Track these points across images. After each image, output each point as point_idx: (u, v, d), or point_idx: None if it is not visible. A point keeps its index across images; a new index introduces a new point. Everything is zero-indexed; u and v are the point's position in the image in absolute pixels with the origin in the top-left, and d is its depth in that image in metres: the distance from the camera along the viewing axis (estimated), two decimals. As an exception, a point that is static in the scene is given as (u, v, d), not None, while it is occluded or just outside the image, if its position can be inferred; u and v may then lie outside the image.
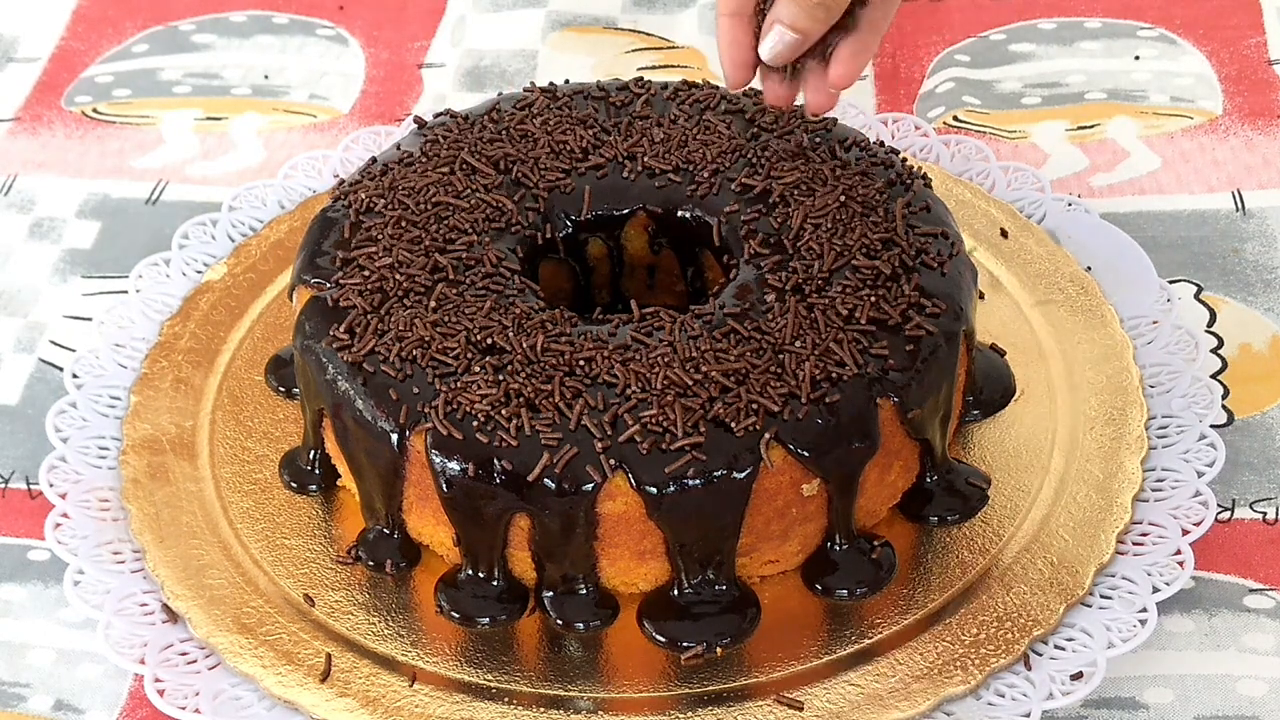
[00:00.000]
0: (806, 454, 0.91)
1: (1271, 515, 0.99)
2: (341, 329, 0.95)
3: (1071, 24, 1.33)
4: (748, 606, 0.94)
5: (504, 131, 1.05)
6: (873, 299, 0.95)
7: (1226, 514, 0.99)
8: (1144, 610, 0.92)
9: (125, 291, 1.12)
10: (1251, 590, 0.96)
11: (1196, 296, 1.11)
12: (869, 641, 0.92)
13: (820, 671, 0.91)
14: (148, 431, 1.03)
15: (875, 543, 0.96)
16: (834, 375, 0.92)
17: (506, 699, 0.91)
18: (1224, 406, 1.04)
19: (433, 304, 0.95)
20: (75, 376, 1.06)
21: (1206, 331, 1.09)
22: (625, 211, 1.04)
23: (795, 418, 0.90)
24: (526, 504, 0.91)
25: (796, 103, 0.98)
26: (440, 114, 1.09)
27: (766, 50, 0.89)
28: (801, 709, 0.89)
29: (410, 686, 0.91)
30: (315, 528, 0.99)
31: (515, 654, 0.93)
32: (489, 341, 0.93)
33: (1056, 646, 0.91)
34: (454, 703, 0.90)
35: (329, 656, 0.92)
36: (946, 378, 0.96)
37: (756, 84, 0.98)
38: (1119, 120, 1.24)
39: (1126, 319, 1.07)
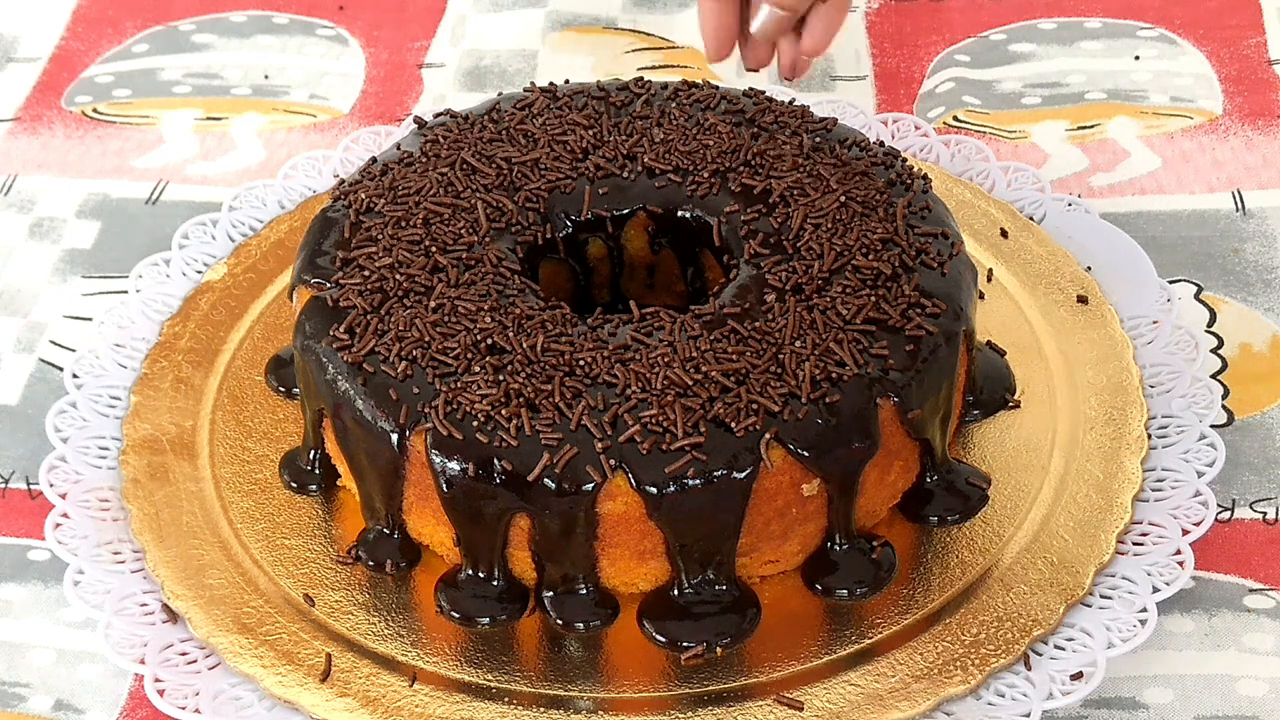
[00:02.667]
0: (806, 454, 0.91)
1: (1271, 515, 0.99)
2: (341, 329, 0.95)
3: (1071, 24, 1.33)
4: (748, 606, 0.93)
5: (504, 131, 1.05)
6: (873, 299, 0.95)
7: (1226, 514, 0.99)
8: (1144, 610, 0.92)
9: (125, 291, 1.12)
10: (1251, 590, 0.96)
11: (1196, 296, 1.11)
12: (869, 641, 0.92)
13: (820, 671, 0.91)
14: (148, 431, 1.03)
15: (875, 543, 0.96)
16: (834, 375, 0.92)
17: (506, 699, 0.91)
18: (1224, 406, 1.04)
19: (433, 304, 0.95)
20: (75, 376, 1.06)
21: (1206, 331, 1.09)
22: (625, 211, 1.04)
23: (795, 418, 0.90)
24: (526, 504, 0.91)
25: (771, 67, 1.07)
26: (440, 114, 1.09)
27: (757, 27, 1.00)
28: (801, 709, 0.89)
29: (410, 686, 0.91)
30: (315, 528, 0.99)
31: (515, 654, 0.93)
32: (489, 341, 0.93)
33: (1056, 646, 0.91)
34: (454, 703, 0.90)
35: (329, 656, 0.92)
36: (946, 378, 0.96)
37: (755, 80, 0.99)
38: (1119, 120, 1.24)
39: (1126, 319, 1.07)
